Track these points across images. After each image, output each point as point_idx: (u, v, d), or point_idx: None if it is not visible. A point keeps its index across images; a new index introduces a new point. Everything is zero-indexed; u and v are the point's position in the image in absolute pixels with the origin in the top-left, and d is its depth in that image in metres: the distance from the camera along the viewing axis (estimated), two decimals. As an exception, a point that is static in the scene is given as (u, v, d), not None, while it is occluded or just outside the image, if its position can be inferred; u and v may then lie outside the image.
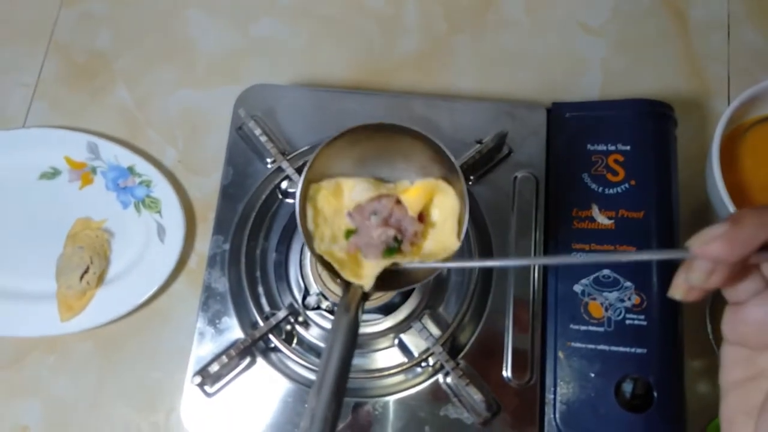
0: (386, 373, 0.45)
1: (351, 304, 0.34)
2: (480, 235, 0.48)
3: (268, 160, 0.51)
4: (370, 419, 0.44)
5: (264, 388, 0.46)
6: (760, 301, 0.26)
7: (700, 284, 0.26)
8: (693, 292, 0.27)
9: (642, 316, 0.45)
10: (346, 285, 0.35)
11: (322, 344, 0.47)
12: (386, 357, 0.47)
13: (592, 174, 0.49)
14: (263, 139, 0.49)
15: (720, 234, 0.24)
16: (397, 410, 0.45)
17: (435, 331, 0.46)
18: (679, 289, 0.27)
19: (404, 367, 0.45)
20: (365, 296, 0.35)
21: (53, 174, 0.57)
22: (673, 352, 0.45)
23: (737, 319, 0.27)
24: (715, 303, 0.48)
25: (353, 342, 0.32)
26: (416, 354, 0.46)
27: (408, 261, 0.36)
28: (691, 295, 0.27)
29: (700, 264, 0.25)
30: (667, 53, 0.59)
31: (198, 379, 0.43)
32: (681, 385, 0.44)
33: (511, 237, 0.48)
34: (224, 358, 0.44)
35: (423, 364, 0.46)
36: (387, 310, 0.47)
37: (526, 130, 0.51)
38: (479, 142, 0.49)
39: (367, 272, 0.36)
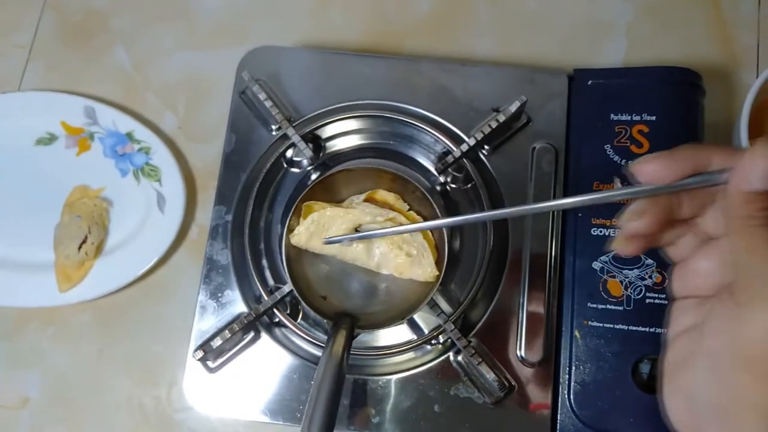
0: (395, 350, 0.44)
1: (337, 345, 0.35)
2: (495, 208, 0.45)
3: (273, 127, 0.48)
4: (378, 397, 0.43)
5: (268, 363, 0.44)
6: (704, 252, 0.27)
7: (631, 223, 0.26)
8: (631, 241, 0.27)
9: (663, 295, 0.43)
10: (334, 325, 0.37)
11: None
12: (395, 334, 0.45)
13: (615, 145, 0.46)
14: (268, 104, 0.46)
15: (656, 155, 0.26)
16: (406, 388, 0.43)
17: (446, 307, 0.44)
18: (618, 240, 0.28)
19: (414, 344, 0.43)
20: (351, 336, 0.37)
21: (50, 140, 0.55)
22: (694, 333, 0.43)
23: (687, 271, 0.28)
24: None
25: (341, 380, 0.34)
26: (426, 331, 0.44)
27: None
28: (629, 246, 0.27)
29: (633, 205, 0.27)
30: (696, 20, 0.56)
31: (199, 354, 0.42)
32: (702, 367, 0.42)
33: (527, 211, 0.46)
34: (227, 333, 0.42)
35: (433, 341, 0.44)
36: (396, 285, 0.45)
37: (545, 98, 0.48)
38: (496, 110, 0.47)
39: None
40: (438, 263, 0.42)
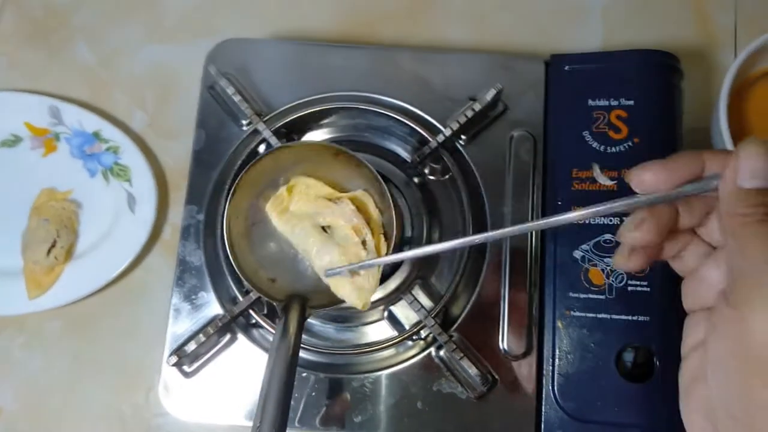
0: (376, 347, 0.43)
1: (290, 329, 0.34)
2: (473, 199, 0.45)
3: (243, 122, 0.47)
4: (360, 396, 0.42)
5: (246, 365, 0.43)
6: (710, 263, 0.27)
7: (630, 234, 0.26)
8: (633, 255, 0.27)
9: (645, 283, 0.42)
10: (284, 308, 0.36)
11: (308, 320, 0.45)
12: (376, 331, 0.45)
13: (594, 131, 0.45)
14: (237, 98, 0.45)
15: (651, 164, 0.25)
16: (388, 386, 0.42)
17: (427, 302, 0.43)
18: (619, 255, 0.28)
19: (395, 341, 0.43)
20: (303, 317, 0.36)
21: (14, 141, 0.53)
22: (676, 319, 0.42)
23: (695, 283, 0.28)
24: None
25: (294, 364, 0.33)
26: (407, 326, 0.43)
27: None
28: (631, 261, 0.27)
29: (631, 216, 0.26)
30: (673, 0, 0.55)
31: (173, 360, 0.40)
32: (684, 353, 0.42)
33: (506, 201, 0.45)
34: (201, 337, 0.41)
35: (414, 337, 0.43)
36: (376, 281, 0.44)
37: (522, 84, 0.47)
38: (472, 99, 0.45)
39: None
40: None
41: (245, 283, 0.38)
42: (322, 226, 0.40)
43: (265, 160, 0.39)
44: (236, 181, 0.38)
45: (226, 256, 0.43)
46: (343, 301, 0.38)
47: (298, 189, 0.40)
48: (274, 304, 0.40)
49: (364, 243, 0.38)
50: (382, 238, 0.39)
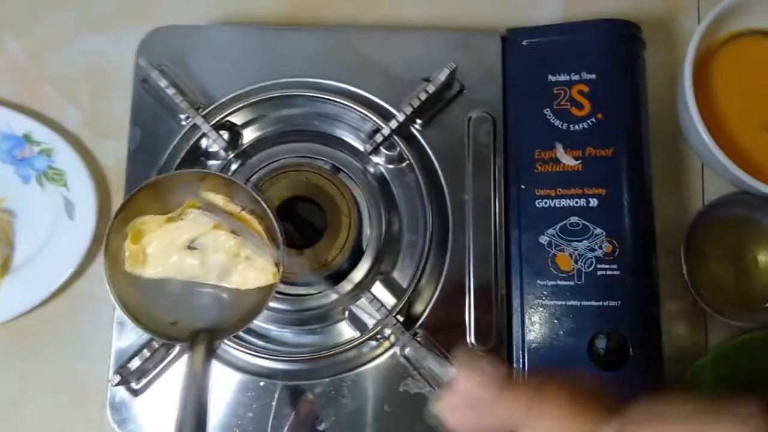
0: (338, 350, 0.40)
1: (196, 367, 0.33)
2: (432, 187, 0.42)
3: (181, 117, 0.43)
4: (324, 402, 0.40)
5: (200, 377, 0.40)
6: None
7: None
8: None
9: (614, 266, 0.41)
10: (190, 346, 0.35)
11: (263, 324, 0.42)
12: (338, 332, 0.42)
13: (555, 109, 0.43)
14: (170, 92, 0.41)
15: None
16: (352, 390, 0.40)
17: (389, 299, 0.41)
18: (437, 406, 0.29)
19: (357, 342, 0.40)
20: (211, 352, 0.34)
21: (-64, 149, 0.49)
22: (648, 302, 0.41)
23: None
24: (690, 239, 0.44)
25: (205, 402, 0.32)
26: (370, 325, 0.41)
27: None
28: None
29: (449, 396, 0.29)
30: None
31: (116, 379, 0.38)
32: (658, 336, 0.41)
33: (467, 187, 0.43)
34: (146, 352, 0.38)
35: (378, 336, 0.41)
36: (335, 279, 0.42)
37: (479, 62, 0.44)
38: (426, 80, 0.43)
39: None
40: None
41: (143, 332, 0.36)
42: (189, 247, 0.38)
43: (135, 198, 0.37)
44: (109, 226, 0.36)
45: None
46: (252, 320, 0.36)
47: (140, 232, 0.38)
48: (179, 345, 0.39)
49: (234, 232, 0.37)
50: (245, 215, 0.38)
